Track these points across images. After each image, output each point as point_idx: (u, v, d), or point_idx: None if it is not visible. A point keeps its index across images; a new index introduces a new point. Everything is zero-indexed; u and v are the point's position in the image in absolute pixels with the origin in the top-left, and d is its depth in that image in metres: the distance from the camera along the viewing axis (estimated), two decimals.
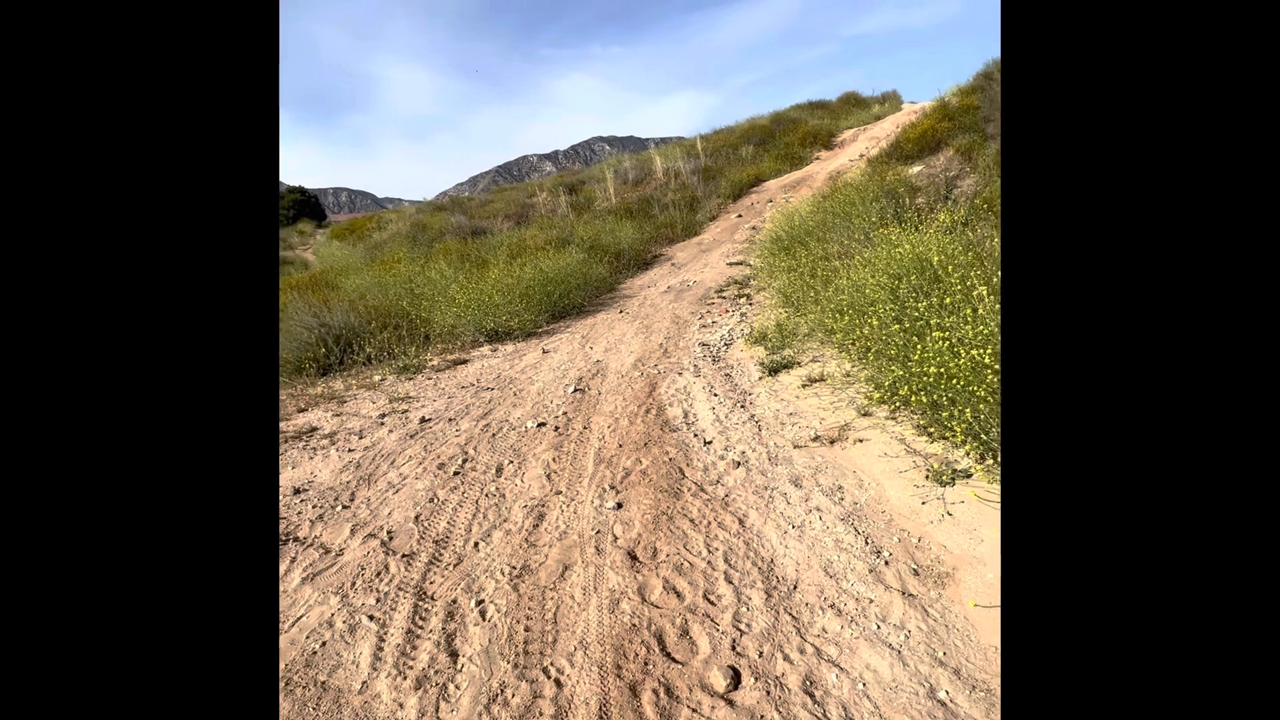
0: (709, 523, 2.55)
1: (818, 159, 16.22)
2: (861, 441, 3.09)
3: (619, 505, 2.75)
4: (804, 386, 3.99)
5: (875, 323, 3.43)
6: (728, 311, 6.71)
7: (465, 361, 5.76)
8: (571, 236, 10.55)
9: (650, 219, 12.45)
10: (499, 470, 3.26)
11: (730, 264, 9.20)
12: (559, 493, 2.94)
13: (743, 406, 3.83)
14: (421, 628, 2.14)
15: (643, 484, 2.92)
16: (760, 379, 4.32)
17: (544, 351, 5.79)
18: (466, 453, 3.53)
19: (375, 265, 10.88)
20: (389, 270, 9.45)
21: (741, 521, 2.53)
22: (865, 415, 3.35)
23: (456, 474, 3.26)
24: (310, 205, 27.71)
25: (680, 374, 4.62)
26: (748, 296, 7.35)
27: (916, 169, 11.35)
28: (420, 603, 2.27)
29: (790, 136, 17.38)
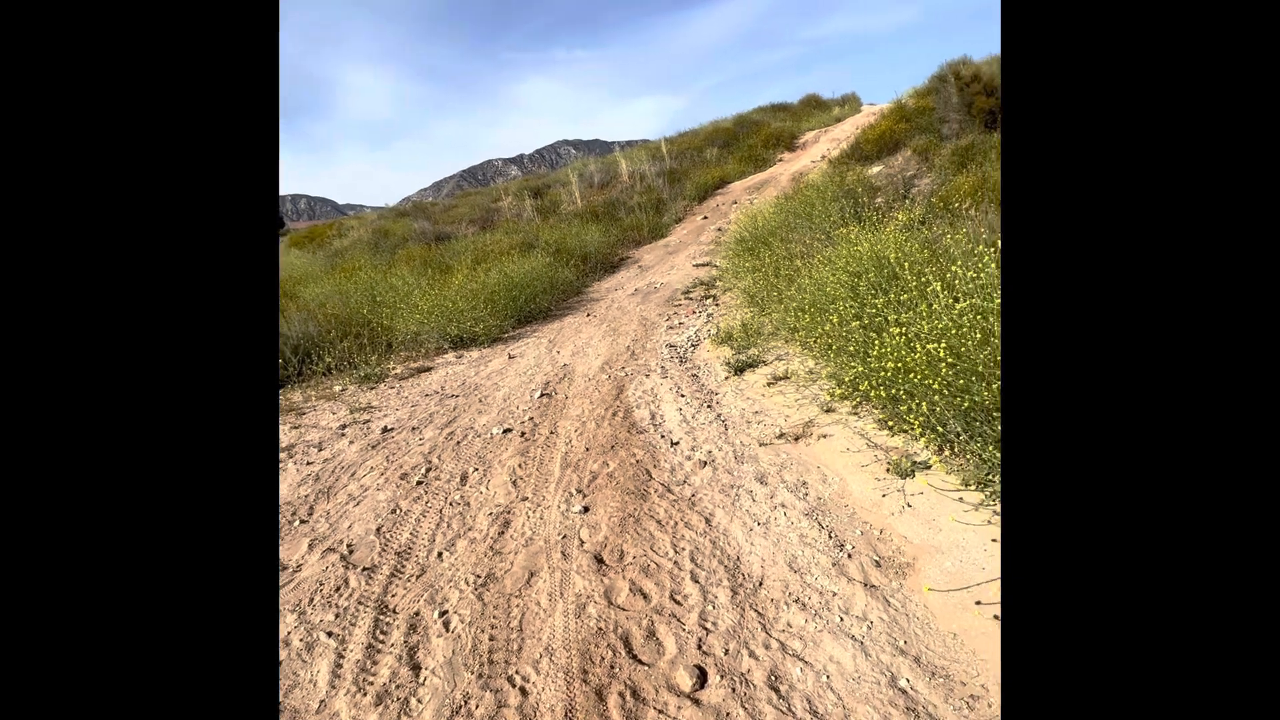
0: (676, 523, 2.55)
1: (781, 160, 16.45)
2: (825, 437, 3.13)
3: (586, 509, 2.73)
4: (769, 385, 4.03)
5: (835, 320, 3.48)
6: (694, 312, 6.75)
7: (429, 369, 5.66)
8: (537, 240, 10.47)
9: (616, 222, 12.45)
10: (464, 478, 3.21)
11: (696, 265, 9.26)
12: (525, 499, 2.91)
13: (709, 406, 3.85)
14: (382, 642, 2.08)
15: (610, 487, 2.91)
16: (727, 379, 4.35)
17: (510, 357, 5.73)
18: (430, 462, 3.46)
19: (335, 273, 10.63)
20: (350, 278, 9.24)
21: (708, 520, 2.54)
22: (828, 411, 3.40)
23: (420, 484, 3.19)
24: None
25: (647, 376, 4.62)
26: (714, 297, 7.41)
27: (876, 169, 11.61)
28: (381, 616, 2.21)
29: (754, 138, 17.59)
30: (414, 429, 4.04)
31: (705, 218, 12.84)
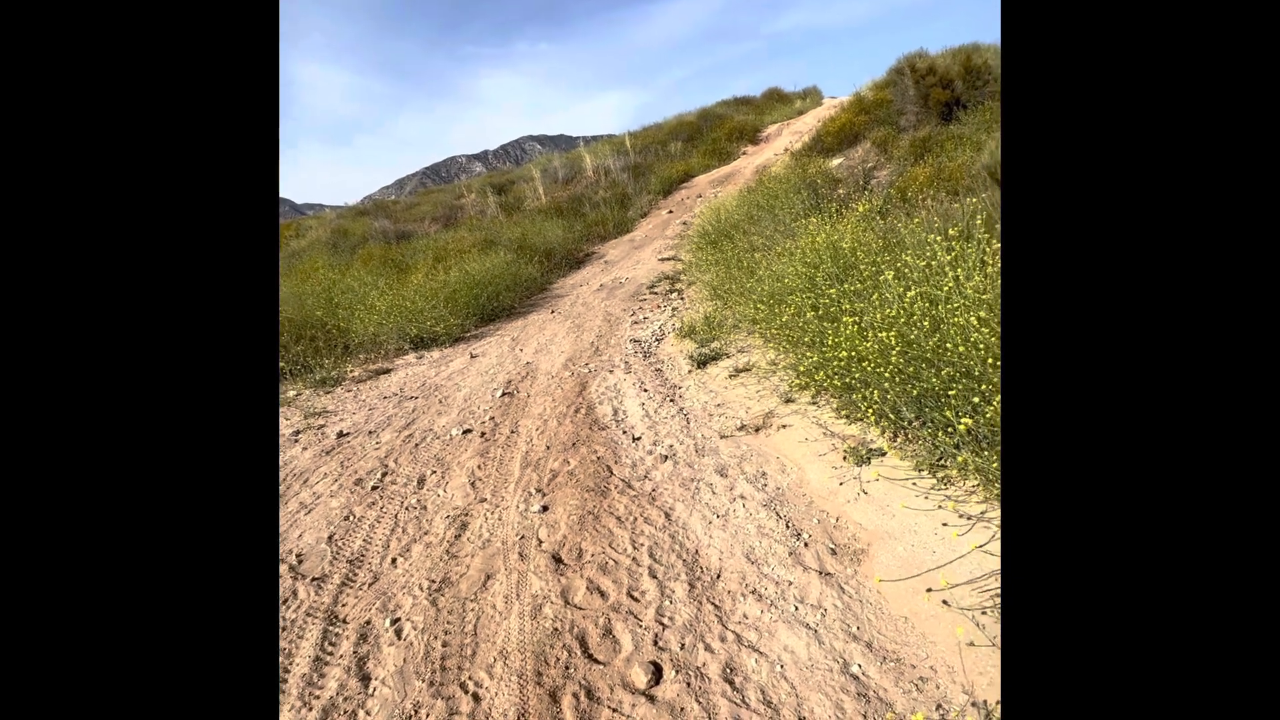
0: (635, 519, 2.53)
1: (744, 154, 16.55)
2: (785, 428, 3.15)
3: (545, 508, 2.69)
4: (731, 377, 4.04)
5: (792, 310, 3.51)
6: (659, 307, 6.74)
7: (388, 371, 5.53)
8: (499, 237, 10.33)
9: (581, 217, 12.37)
10: (421, 482, 3.14)
11: (662, 260, 9.26)
12: (483, 500, 2.85)
13: (672, 400, 3.84)
14: (331, 654, 2.02)
15: (570, 485, 2.87)
16: (690, 372, 4.35)
17: (472, 356, 5.63)
18: (387, 466, 3.38)
19: (292, 275, 10.31)
20: (306, 280, 8.97)
21: (668, 515, 2.53)
22: (788, 402, 3.42)
23: (375, 489, 3.11)
24: None
25: (611, 371, 4.60)
26: (679, 291, 7.42)
27: (837, 161, 11.77)
28: (330, 627, 2.14)
29: (718, 132, 17.65)
30: (371, 433, 3.94)
31: (670, 212, 12.85)
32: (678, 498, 2.65)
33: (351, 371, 5.61)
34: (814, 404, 3.32)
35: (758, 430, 3.21)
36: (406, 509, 2.87)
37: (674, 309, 6.51)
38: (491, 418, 3.93)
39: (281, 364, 5.55)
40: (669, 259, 9.18)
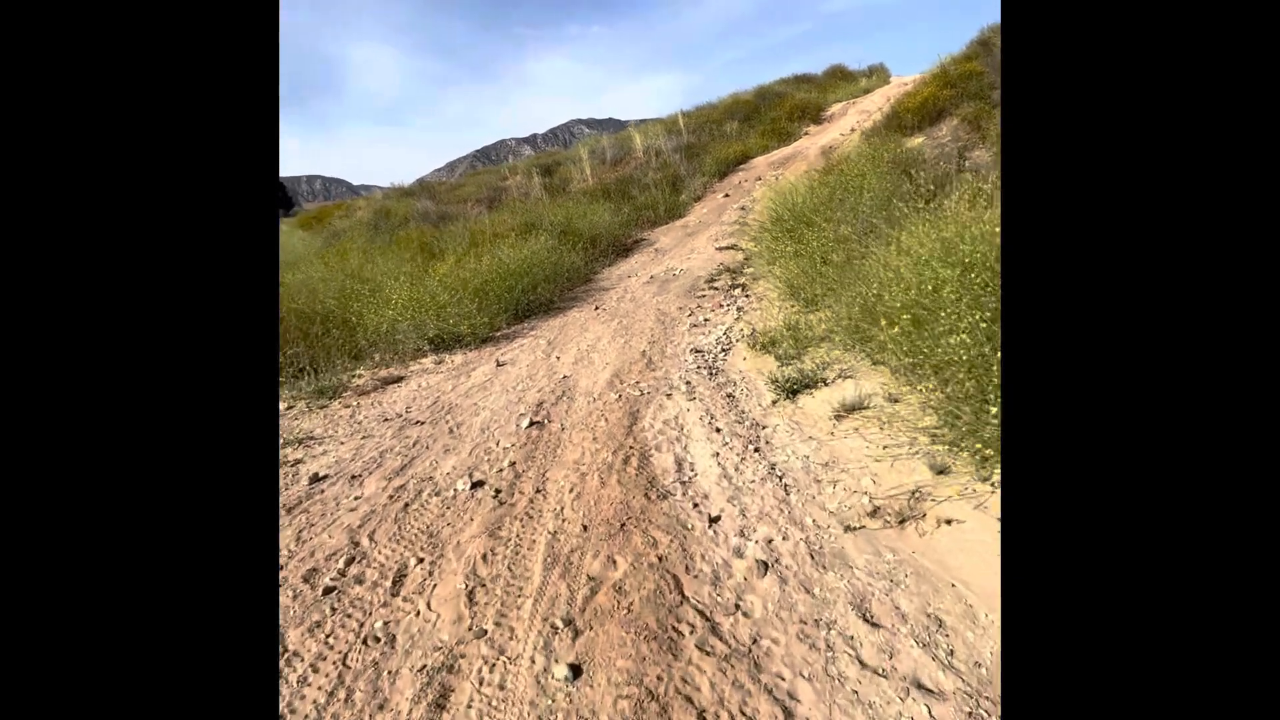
0: (733, 715, 1.46)
1: (806, 134, 15.17)
2: (950, 523, 2.03)
3: (576, 670, 1.65)
4: (838, 418, 2.92)
5: (954, 338, 2.34)
6: (722, 306, 5.61)
7: (400, 380, 4.60)
8: (541, 221, 9.32)
9: (630, 200, 11.26)
10: (398, 579, 2.14)
11: (719, 249, 8.10)
12: (483, 633, 1.83)
13: (757, 450, 2.75)
14: None
15: (616, 618, 1.82)
16: (775, 403, 3.25)
17: (498, 364, 4.65)
18: (357, 544, 2.40)
19: (324, 256, 9.58)
20: (335, 263, 8.18)
21: (788, 711, 1.45)
22: (943, 474, 2.28)
23: (330, 591, 2.12)
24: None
25: (669, 395, 3.53)
26: (743, 286, 6.28)
27: (918, 141, 10.30)
28: None
29: (777, 111, 16.26)
30: (354, 477, 2.98)
31: (727, 195, 11.63)
32: (798, 666, 1.57)
33: (358, 378, 4.72)
34: (987, 478, 2.18)
35: (903, 522, 2.09)
36: (364, 641, 1.86)
37: (739, 309, 5.38)
38: (512, 462, 2.92)
39: (281, 365, 4.69)
40: (727, 248, 8.02)
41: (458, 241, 8.61)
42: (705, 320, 5.16)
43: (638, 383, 3.81)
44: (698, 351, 4.30)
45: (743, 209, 10.31)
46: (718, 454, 2.78)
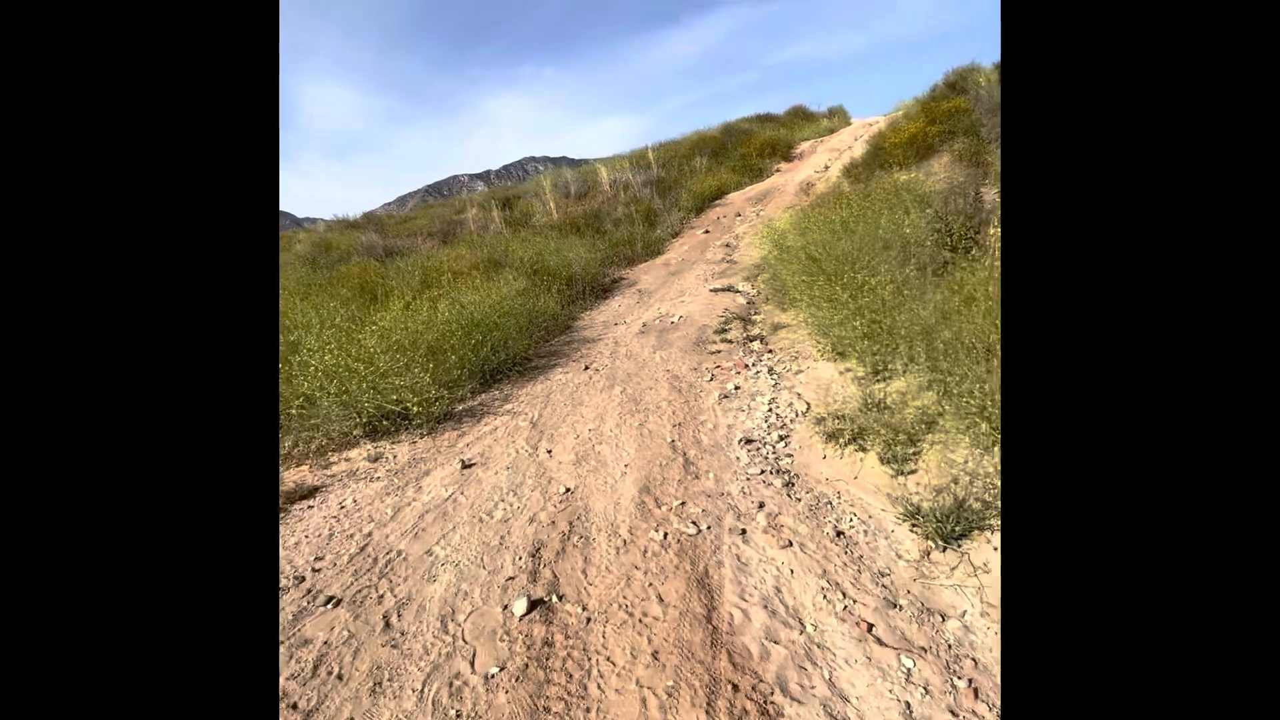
0: None
1: (779, 170, 14.64)
2: None
3: None
4: None
5: None
6: (747, 366, 4.48)
7: (313, 493, 3.20)
8: (506, 257, 8.06)
9: (603, 235, 10.16)
10: None
11: (715, 291, 7.04)
12: None
13: (976, 694, 1.56)
14: None
15: None
16: (930, 554, 2.09)
17: (464, 465, 3.32)
18: None
19: None
20: None
21: None
22: None
23: None
24: None
25: (744, 534, 2.31)
26: (761, 339, 5.19)
27: (907, 176, 9.65)
28: None
29: (746, 147, 15.74)
30: None
31: (707, 231, 10.71)
32: None
33: None
34: None
35: None
36: None
37: (772, 371, 4.26)
38: None
39: None
40: (724, 290, 6.98)
41: (407, 280, 7.24)
42: (735, 389, 4.00)
43: (683, 504, 2.59)
44: (749, 443, 3.12)
45: (727, 246, 9.40)
46: (906, 701, 1.56)
